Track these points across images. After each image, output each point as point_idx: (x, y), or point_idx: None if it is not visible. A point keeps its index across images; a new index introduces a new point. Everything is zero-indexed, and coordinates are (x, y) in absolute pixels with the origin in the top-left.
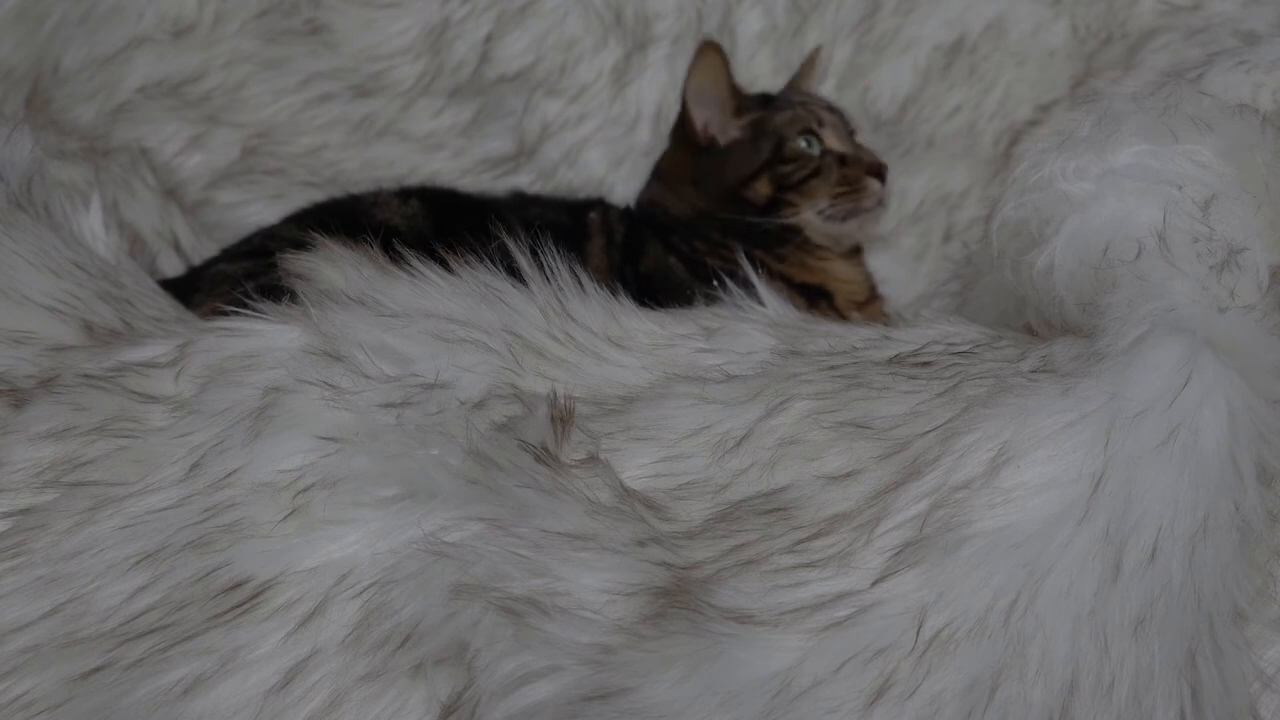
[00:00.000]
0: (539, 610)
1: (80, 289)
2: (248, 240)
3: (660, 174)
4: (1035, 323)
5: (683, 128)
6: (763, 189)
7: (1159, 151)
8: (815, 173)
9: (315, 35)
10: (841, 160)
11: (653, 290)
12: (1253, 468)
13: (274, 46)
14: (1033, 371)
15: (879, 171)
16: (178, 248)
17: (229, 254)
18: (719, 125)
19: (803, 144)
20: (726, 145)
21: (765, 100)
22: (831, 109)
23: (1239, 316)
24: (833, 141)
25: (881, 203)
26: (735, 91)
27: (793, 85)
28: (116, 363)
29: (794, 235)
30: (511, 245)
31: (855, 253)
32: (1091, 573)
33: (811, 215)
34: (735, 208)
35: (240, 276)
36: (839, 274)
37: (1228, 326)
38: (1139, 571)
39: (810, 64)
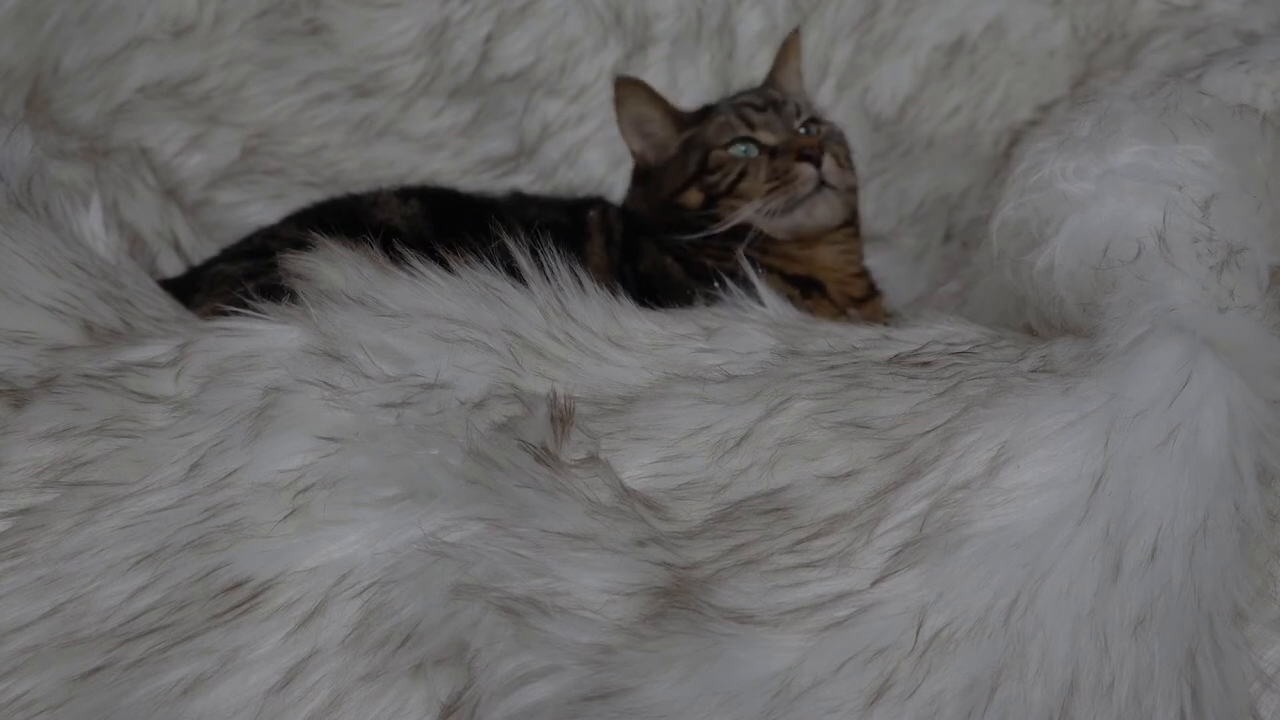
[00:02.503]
0: (539, 610)
1: (80, 289)
2: (248, 240)
3: (624, 204)
4: (1035, 322)
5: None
6: (693, 198)
7: (1159, 152)
8: (742, 175)
9: (315, 35)
10: (774, 153)
11: (652, 290)
12: (1252, 468)
13: (274, 46)
14: (1032, 371)
15: (809, 154)
16: (178, 248)
17: (229, 254)
18: (657, 150)
19: (738, 150)
20: (664, 164)
21: (704, 113)
22: (764, 105)
23: (1239, 316)
24: (767, 137)
25: (824, 183)
26: (670, 114)
27: (772, 78)
28: (116, 363)
29: (747, 232)
30: (511, 245)
31: (845, 239)
32: (1091, 573)
33: (753, 215)
34: (677, 219)
35: (240, 277)
36: (824, 262)
37: (1228, 326)
38: (1139, 571)
39: (788, 50)
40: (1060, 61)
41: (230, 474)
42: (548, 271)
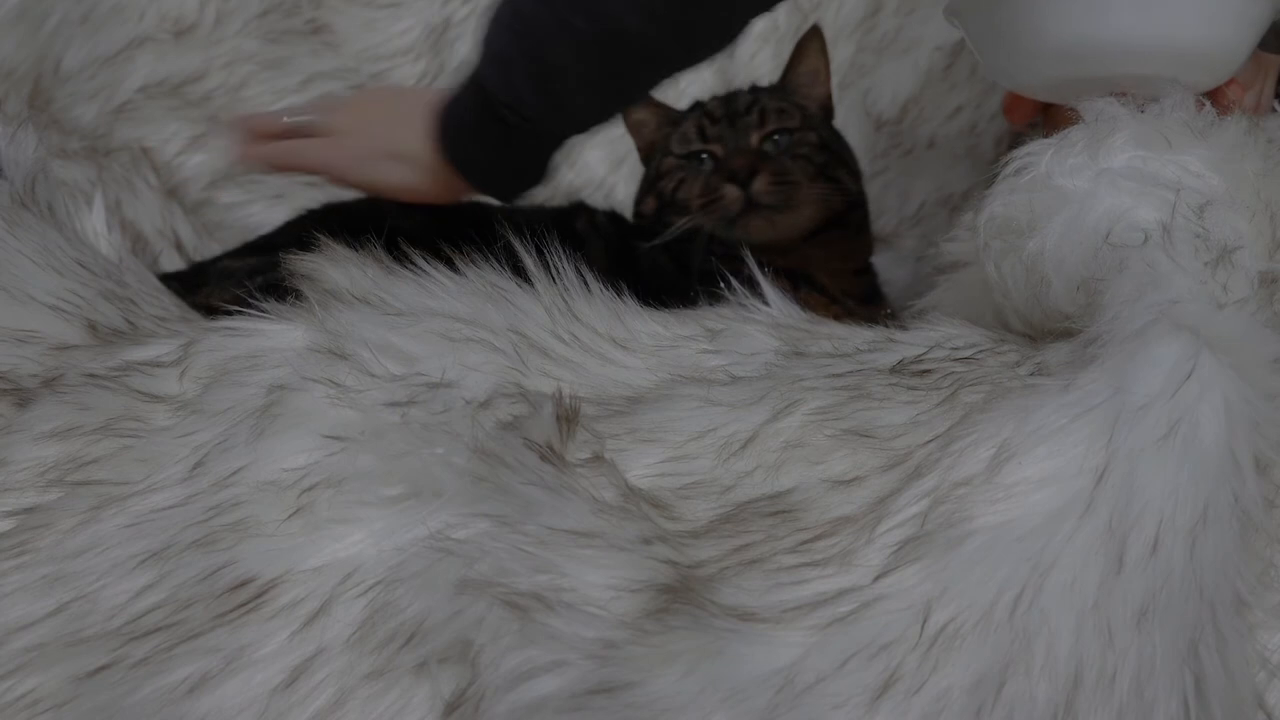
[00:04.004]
0: (544, 605)
1: (84, 288)
2: (251, 242)
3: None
4: (1011, 316)
5: None
6: (649, 204)
7: (1151, 158)
8: (680, 184)
9: (316, 35)
10: (716, 165)
11: (656, 291)
12: (1250, 460)
13: (275, 46)
14: (1029, 375)
15: (735, 175)
16: (179, 247)
17: (232, 254)
18: (646, 151)
19: (690, 158)
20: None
21: (688, 113)
22: (720, 115)
23: (1235, 311)
24: (717, 149)
25: (753, 203)
26: (666, 115)
27: (783, 78)
28: (120, 362)
29: (699, 234)
30: (518, 245)
31: (834, 240)
32: (1095, 566)
33: (697, 223)
34: (643, 223)
35: (246, 272)
36: (810, 257)
37: (1224, 321)
38: (1141, 564)
39: (802, 50)
40: None
41: (235, 473)
42: (553, 271)
